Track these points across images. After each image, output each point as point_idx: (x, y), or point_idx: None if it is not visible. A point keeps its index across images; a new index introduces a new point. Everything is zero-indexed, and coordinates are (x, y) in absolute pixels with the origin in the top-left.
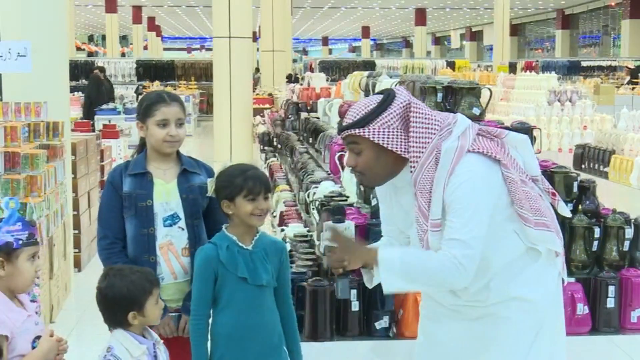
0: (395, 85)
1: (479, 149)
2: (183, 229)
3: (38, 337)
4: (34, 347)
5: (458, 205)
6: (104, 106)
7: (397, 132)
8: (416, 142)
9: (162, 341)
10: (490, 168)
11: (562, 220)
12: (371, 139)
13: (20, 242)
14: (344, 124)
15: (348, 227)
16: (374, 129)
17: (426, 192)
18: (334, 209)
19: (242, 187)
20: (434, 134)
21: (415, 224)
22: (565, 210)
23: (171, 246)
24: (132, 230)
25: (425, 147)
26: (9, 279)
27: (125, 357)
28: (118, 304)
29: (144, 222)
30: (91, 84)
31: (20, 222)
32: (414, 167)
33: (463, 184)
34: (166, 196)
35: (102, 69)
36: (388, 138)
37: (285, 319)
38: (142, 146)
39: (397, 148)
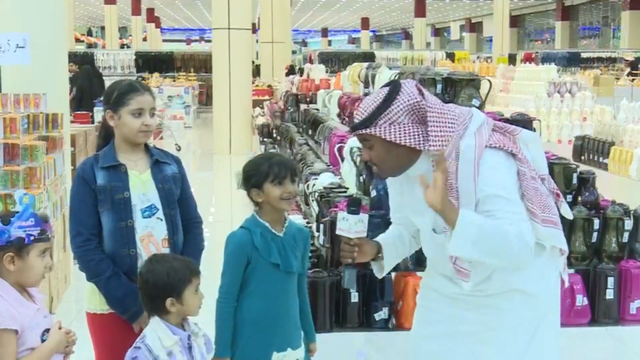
0: (395, 78)
1: (496, 143)
2: (161, 220)
3: (47, 330)
4: (43, 340)
5: (494, 199)
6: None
7: (407, 126)
8: (437, 139)
9: (202, 333)
10: (509, 160)
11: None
12: (378, 135)
13: (32, 237)
14: (354, 121)
15: (362, 219)
16: (381, 126)
17: (452, 189)
18: (351, 200)
19: (267, 173)
20: (453, 130)
21: (443, 222)
22: (568, 212)
23: (152, 237)
24: (109, 224)
25: (447, 142)
26: (19, 274)
27: (156, 346)
28: (157, 290)
29: (122, 215)
30: (83, 77)
31: (32, 217)
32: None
33: (493, 179)
34: (142, 187)
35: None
36: (397, 133)
37: (303, 302)
38: (105, 138)
39: (408, 141)
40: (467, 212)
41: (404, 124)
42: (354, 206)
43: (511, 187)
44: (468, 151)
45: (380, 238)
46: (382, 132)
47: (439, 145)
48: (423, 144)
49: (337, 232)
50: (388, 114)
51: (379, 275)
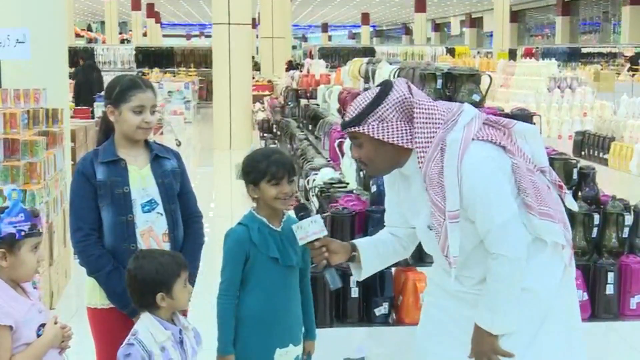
0: (395, 73)
1: (483, 137)
2: (162, 214)
3: (42, 325)
4: (39, 335)
5: (480, 196)
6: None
7: (395, 125)
8: (421, 137)
9: (192, 327)
10: (498, 152)
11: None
12: (367, 133)
13: (23, 233)
14: (345, 119)
15: (314, 219)
16: (370, 124)
17: (437, 186)
18: (297, 207)
19: (265, 172)
20: (439, 127)
21: (431, 218)
22: (573, 204)
23: (152, 232)
24: (109, 219)
25: (430, 142)
26: (11, 269)
27: (149, 341)
28: (147, 285)
29: (122, 210)
30: (81, 74)
31: (22, 213)
32: (421, 162)
33: (476, 171)
34: (142, 182)
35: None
36: (386, 131)
37: (305, 298)
38: (105, 132)
39: (397, 140)
40: (483, 321)
41: (392, 121)
42: (301, 211)
43: (498, 184)
44: (454, 145)
45: (356, 240)
46: (371, 131)
47: (422, 144)
48: (411, 142)
49: (299, 243)
50: (378, 111)
51: (357, 277)
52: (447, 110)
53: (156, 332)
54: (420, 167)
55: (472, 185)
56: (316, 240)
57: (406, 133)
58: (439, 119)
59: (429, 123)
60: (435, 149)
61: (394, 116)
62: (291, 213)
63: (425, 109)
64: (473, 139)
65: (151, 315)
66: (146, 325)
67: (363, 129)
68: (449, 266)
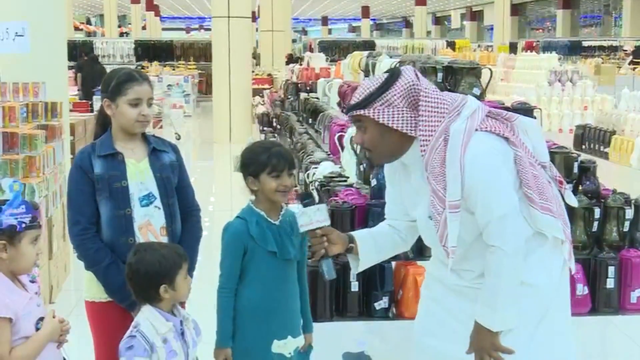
0: (397, 65)
1: (487, 128)
2: (159, 208)
3: (41, 319)
4: (37, 329)
5: (481, 187)
6: None
7: (401, 111)
8: (426, 125)
9: (191, 318)
10: (501, 144)
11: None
12: (373, 118)
13: (24, 225)
14: (351, 102)
15: (319, 208)
16: (376, 108)
17: (438, 175)
18: (302, 195)
19: (266, 164)
20: (443, 116)
21: (431, 207)
22: (573, 199)
23: (150, 226)
24: (107, 213)
25: (434, 131)
26: (11, 261)
27: (151, 333)
28: (150, 278)
29: (120, 204)
30: (85, 68)
31: (23, 205)
32: (424, 150)
33: (479, 162)
34: (140, 176)
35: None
36: (392, 117)
37: (302, 291)
38: (103, 125)
39: (401, 127)
40: (483, 318)
41: (398, 107)
42: (306, 199)
43: (499, 177)
44: (457, 135)
45: (354, 232)
46: (376, 115)
47: (426, 133)
48: (414, 130)
49: (300, 230)
50: (385, 96)
51: (355, 270)
52: (452, 100)
53: (158, 324)
54: (422, 156)
55: (474, 177)
56: (318, 228)
57: (411, 120)
58: (444, 108)
59: (434, 112)
60: (439, 138)
61: (400, 102)
62: (290, 207)
63: (432, 98)
64: (476, 130)
65: (152, 307)
66: (147, 317)
67: (369, 113)
68: (447, 256)
